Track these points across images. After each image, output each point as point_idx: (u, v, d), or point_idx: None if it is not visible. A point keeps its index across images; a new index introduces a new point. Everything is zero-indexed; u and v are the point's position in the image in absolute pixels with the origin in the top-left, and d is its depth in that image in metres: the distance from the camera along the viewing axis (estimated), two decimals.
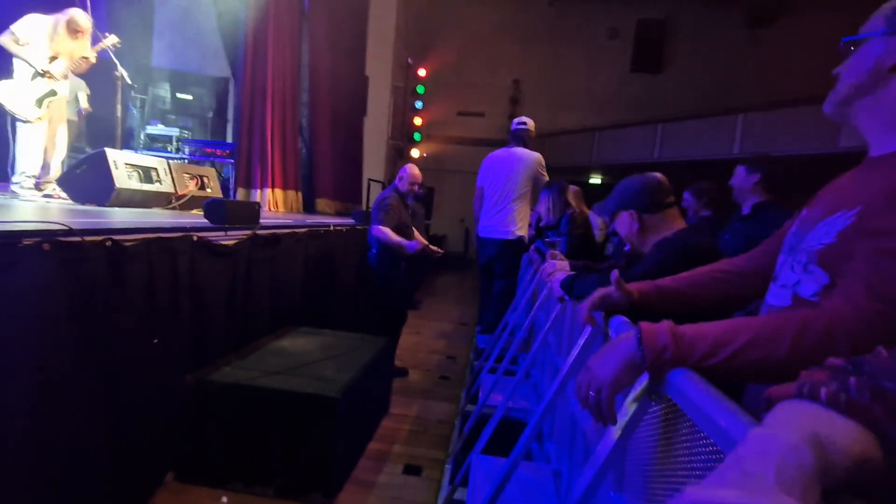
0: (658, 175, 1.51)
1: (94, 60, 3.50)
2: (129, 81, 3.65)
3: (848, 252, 0.69)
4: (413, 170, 3.38)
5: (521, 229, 3.69)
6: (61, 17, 3.33)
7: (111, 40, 3.53)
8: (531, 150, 3.72)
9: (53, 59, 3.33)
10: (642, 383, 0.80)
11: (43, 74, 3.25)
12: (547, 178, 3.67)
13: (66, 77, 3.41)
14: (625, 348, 0.77)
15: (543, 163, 3.71)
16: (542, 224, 3.44)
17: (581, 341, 1.32)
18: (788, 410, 0.42)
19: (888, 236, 0.63)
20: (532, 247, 3.72)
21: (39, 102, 3.27)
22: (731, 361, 0.67)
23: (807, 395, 0.43)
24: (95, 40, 3.53)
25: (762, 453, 0.37)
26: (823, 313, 0.65)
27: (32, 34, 3.23)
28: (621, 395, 0.96)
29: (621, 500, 1.00)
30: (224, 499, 1.96)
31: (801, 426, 0.39)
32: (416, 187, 3.42)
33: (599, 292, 1.15)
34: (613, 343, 0.81)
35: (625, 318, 1.08)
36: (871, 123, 0.76)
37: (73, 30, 3.36)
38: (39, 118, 3.29)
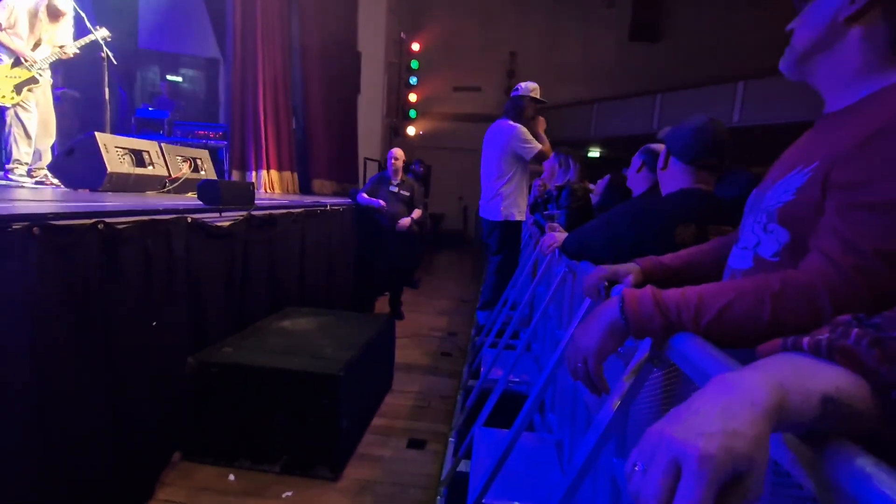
0: (719, 130, 1.36)
1: (78, 51, 3.43)
2: (114, 62, 3.57)
3: (809, 207, 0.67)
4: (393, 152, 4.27)
5: (508, 209, 3.53)
6: (41, 2, 3.24)
7: (102, 33, 3.45)
8: (525, 118, 3.46)
9: (37, 45, 3.26)
10: (644, 352, 0.79)
11: (25, 62, 3.18)
12: (534, 150, 3.43)
13: (48, 64, 3.34)
14: (607, 315, 0.76)
15: (524, 136, 3.43)
16: (548, 188, 3.38)
17: (581, 312, 1.31)
18: (767, 360, 0.43)
19: (858, 189, 0.61)
20: (531, 220, 3.68)
21: (19, 89, 3.21)
22: (713, 326, 0.66)
23: (791, 346, 0.44)
24: (84, 32, 3.44)
25: (716, 392, 0.38)
26: (802, 273, 0.64)
27: (13, 19, 3.16)
28: (620, 363, 0.96)
29: (623, 465, 1.01)
30: (231, 476, 1.99)
31: (769, 370, 0.40)
32: (396, 161, 4.21)
33: (605, 272, 1.13)
34: (596, 311, 0.80)
35: (624, 287, 1.06)
36: (828, 79, 0.74)
37: (53, 14, 3.28)
38: (20, 105, 3.24)
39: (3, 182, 3.19)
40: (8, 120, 3.27)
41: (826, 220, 0.64)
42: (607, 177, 3.08)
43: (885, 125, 0.61)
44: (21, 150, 3.28)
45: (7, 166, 3.29)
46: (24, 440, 1.36)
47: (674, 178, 1.42)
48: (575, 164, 3.64)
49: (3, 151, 3.34)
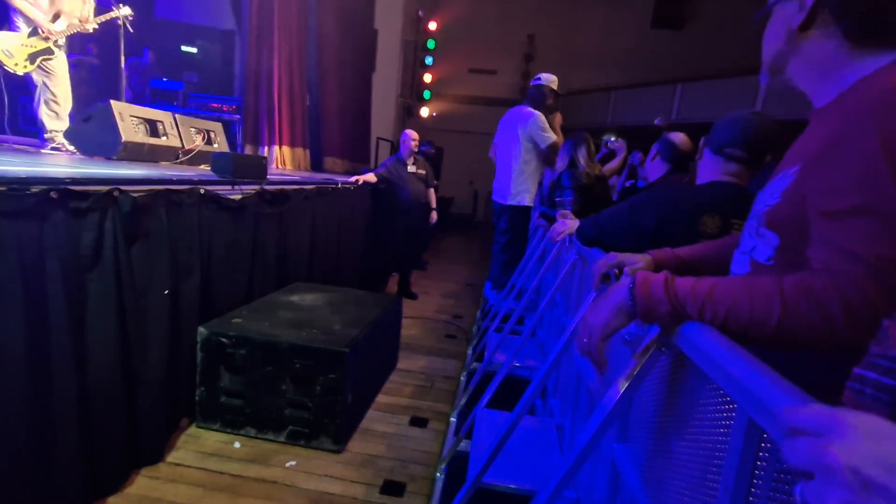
0: (758, 125, 1.32)
1: (97, 26, 3.43)
2: (130, 30, 3.56)
3: (794, 210, 0.68)
4: (409, 133, 4.32)
5: (520, 194, 3.61)
6: None
7: (124, 11, 3.44)
8: (546, 108, 3.54)
9: (56, 17, 3.26)
10: (653, 336, 0.79)
11: (42, 33, 3.18)
12: (550, 139, 3.46)
13: (65, 37, 3.33)
14: (617, 295, 0.78)
15: (542, 124, 3.48)
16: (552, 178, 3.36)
17: (590, 298, 1.31)
18: None
19: (828, 196, 0.62)
20: (537, 213, 3.66)
21: (33, 58, 3.21)
22: (716, 324, 0.66)
23: None
24: (104, 2, 3.43)
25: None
26: (814, 279, 0.61)
27: None
28: (627, 350, 0.96)
29: (624, 450, 1.02)
30: (237, 444, 2.04)
31: None
32: (414, 143, 4.26)
33: (614, 259, 1.12)
34: (607, 291, 0.82)
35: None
36: (805, 82, 0.77)
37: None
38: (47, 73, 3.26)
39: (46, 151, 3.21)
40: (38, 89, 3.29)
41: (816, 230, 0.64)
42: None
43: (847, 129, 0.62)
44: (55, 120, 3.31)
45: (45, 136, 3.32)
46: (38, 396, 1.40)
47: (704, 167, 1.41)
48: (576, 148, 3.51)
49: (37, 120, 3.36)
